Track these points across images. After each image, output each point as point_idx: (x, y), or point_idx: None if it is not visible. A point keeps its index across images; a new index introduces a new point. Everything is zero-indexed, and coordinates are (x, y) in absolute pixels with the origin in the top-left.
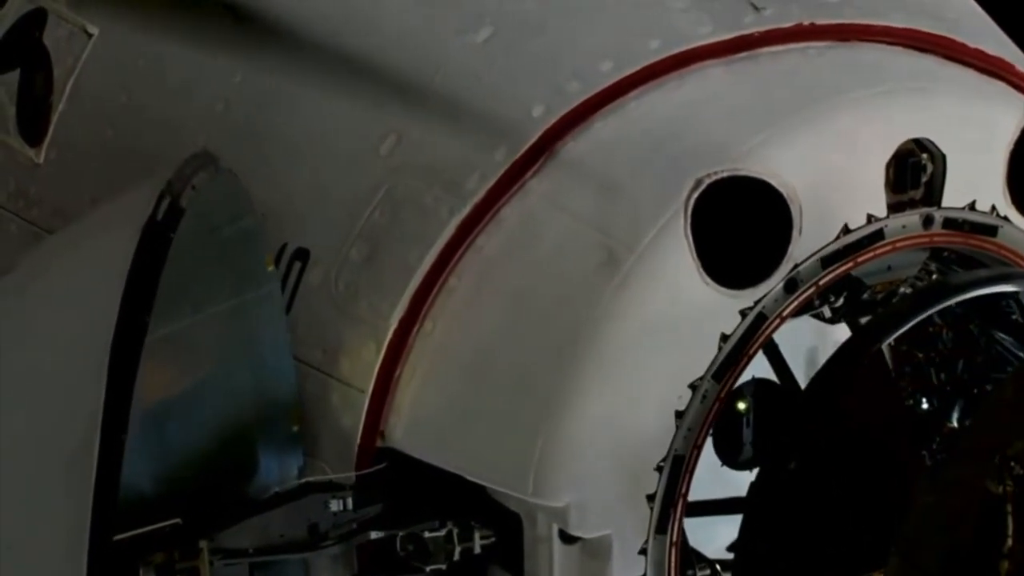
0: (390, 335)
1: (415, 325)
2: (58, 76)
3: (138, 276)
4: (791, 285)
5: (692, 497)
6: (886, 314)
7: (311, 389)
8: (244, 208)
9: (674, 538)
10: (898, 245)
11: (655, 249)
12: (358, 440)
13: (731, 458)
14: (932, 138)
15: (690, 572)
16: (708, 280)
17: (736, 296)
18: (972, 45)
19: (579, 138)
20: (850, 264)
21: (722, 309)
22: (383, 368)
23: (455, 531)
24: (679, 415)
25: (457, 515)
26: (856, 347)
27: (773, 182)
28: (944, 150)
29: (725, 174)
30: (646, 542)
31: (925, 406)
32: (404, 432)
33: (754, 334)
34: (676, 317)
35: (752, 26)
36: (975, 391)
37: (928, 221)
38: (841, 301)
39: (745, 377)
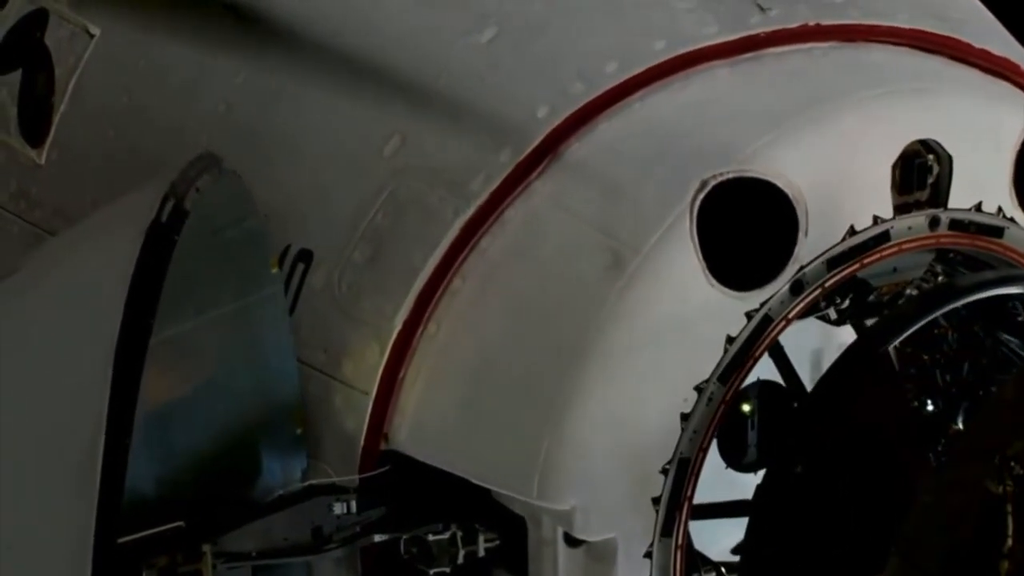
0: (394, 337)
1: (419, 327)
2: (60, 77)
3: (142, 279)
4: (797, 287)
5: (696, 500)
6: (892, 316)
7: (314, 391)
8: (248, 210)
9: (679, 541)
10: (904, 247)
11: (660, 251)
12: (362, 442)
13: (735, 460)
14: (938, 139)
15: (695, 575)
16: (714, 282)
17: (742, 298)
18: (978, 46)
19: (584, 139)
20: (856, 266)
21: (728, 311)
22: (387, 370)
23: (459, 534)
24: (684, 417)
25: (461, 518)
26: (862, 350)
27: (779, 183)
28: (950, 151)
29: (731, 175)
30: (651, 545)
31: (930, 408)
32: (408, 434)
33: (760, 336)
34: (681, 319)
35: (758, 27)
36: (980, 393)
37: (934, 222)
38: (847, 303)
39: (750, 379)
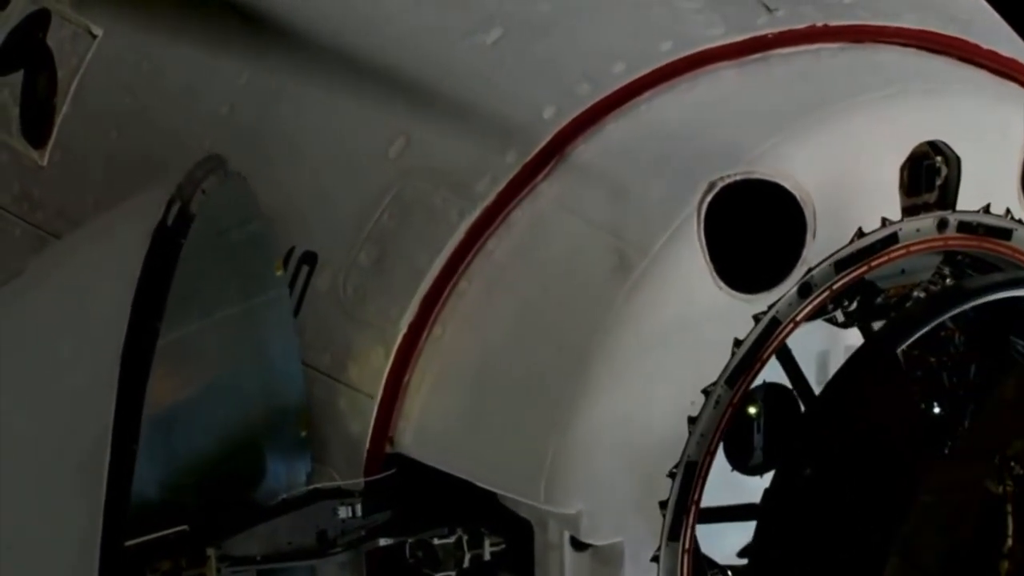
0: (399, 340)
1: (425, 330)
2: (62, 77)
3: (148, 282)
4: (805, 289)
5: (702, 503)
6: (901, 319)
7: (319, 394)
8: (253, 212)
9: (687, 545)
10: (912, 249)
11: (668, 253)
12: (367, 446)
13: (741, 463)
14: (947, 140)
15: None
16: (721, 284)
17: (749, 300)
18: (986, 46)
19: (590, 141)
20: (864, 268)
21: (735, 314)
22: (392, 373)
23: (465, 538)
24: (692, 421)
25: (467, 522)
26: (871, 352)
27: (787, 185)
28: (958, 153)
29: (738, 177)
30: (658, 549)
31: (937, 410)
32: (413, 438)
33: (768, 339)
34: (689, 322)
35: (765, 27)
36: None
37: (942, 224)
38: (854, 305)
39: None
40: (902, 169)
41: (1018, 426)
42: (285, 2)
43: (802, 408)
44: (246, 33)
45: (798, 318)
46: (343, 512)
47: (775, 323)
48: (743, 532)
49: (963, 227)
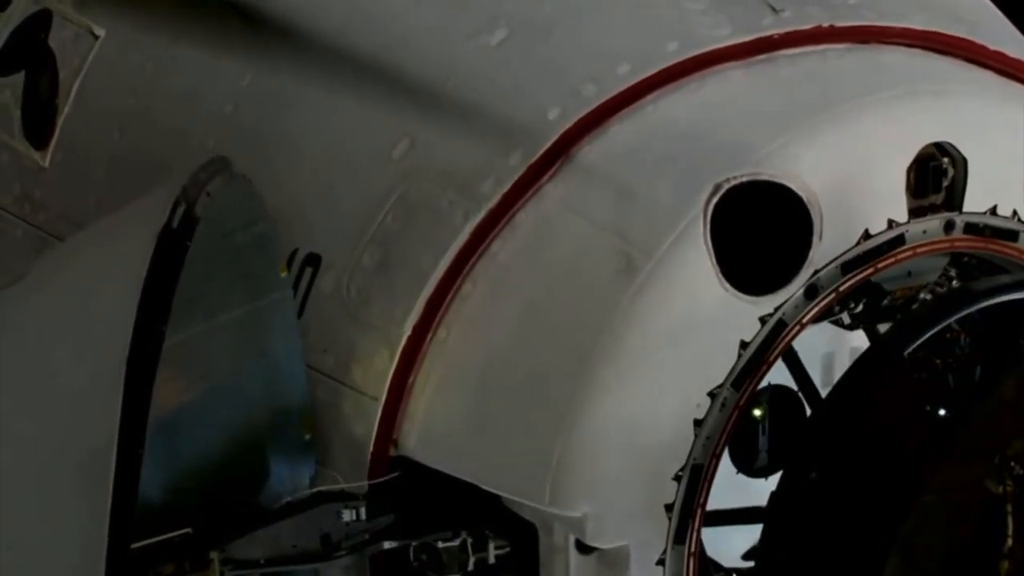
0: (404, 342)
1: (429, 332)
2: (64, 78)
3: (154, 285)
4: (811, 291)
5: (708, 506)
6: (908, 321)
7: (323, 397)
8: (257, 214)
9: (692, 548)
10: (919, 250)
11: (674, 255)
12: (371, 448)
13: (746, 465)
14: (953, 142)
15: None
16: (727, 286)
17: (756, 302)
18: (992, 47)
19: (596, 142)
20: (870, 270)
21: (741, 316)
22: (396, 375)
23: (469, 541)
24: (698, 423)
25: (471, 525)
26: (878, 355)
27: (793, 186)
28: (965, 154)
29: (744, 178)
30: (664, 552)
31: (942, 412)
32: (418, 440)
33: (774, 341)
34: (695, 324)
35: (771, 28)
36: None
37: (949, 226)
38: (860, 307)
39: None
40: (909, 170)
41: (1018, 426)
42: (288, 2)
43: (807, 410)
44: (249, 33)
45: (804, 320)
46: (347, 515)
47: (781, 325)
48: (748, 534)
49: (970, 229)
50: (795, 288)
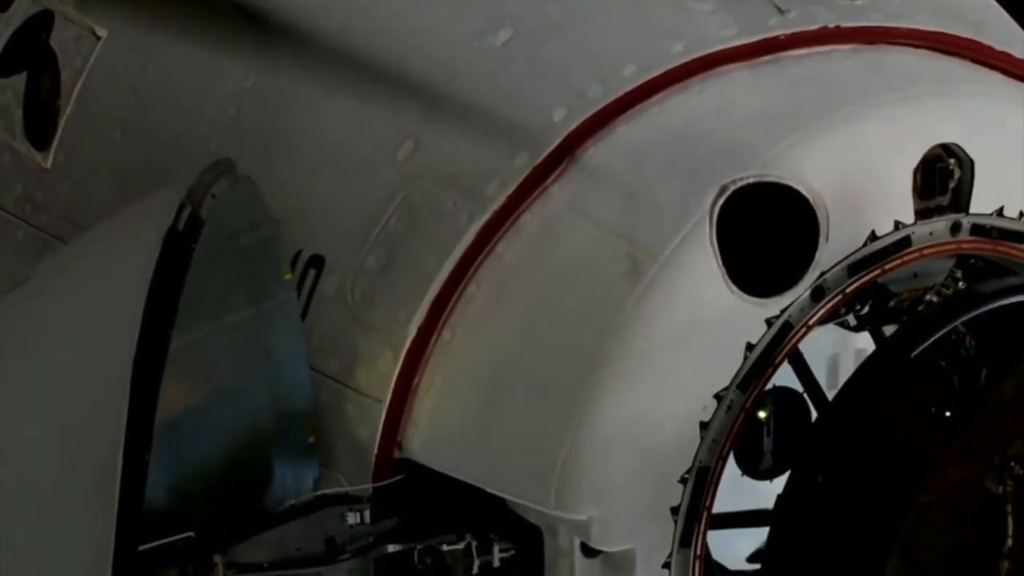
0: (408, 344)
1: (433, 334)
2: (66, 79)
3: (160, 288)
4: (818, 293)
5: (714, 508)
6: (914, 324)
7: (327, 399)
8: (262, 216)
9: (698, 551)
10: (925, 252)
11: (679, 257)
12: (375, 451)
13: (751, 467)
14: (959, 143)
15: None
16: (733, 288)
17: (762, 304)
18: (999, 48)
19: (601, 143)
20: (877, 272)
21: (747, 318)
22: (400, 378)
23: (474, 544)
24: (704, 426)
25: (476, 528)
26: (884, 358)
27: (799, 188)
28: (971, 155)
29: (751, 180)
30: (670, 555)
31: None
32: (422, 443)
33: (780, 343)
34: (701, 326)
35: (777, 29)
36: None
37: (956, 228)
38: (867, 309)
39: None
40: (915, 172)
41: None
42: (292, 2)
43: (813, 412)
44: (252, 34)
45: (811, 322)
46: (351, 518)
47: (787, 327)
48: (752, 537)
49: (976, 230)
50: (801, 290)
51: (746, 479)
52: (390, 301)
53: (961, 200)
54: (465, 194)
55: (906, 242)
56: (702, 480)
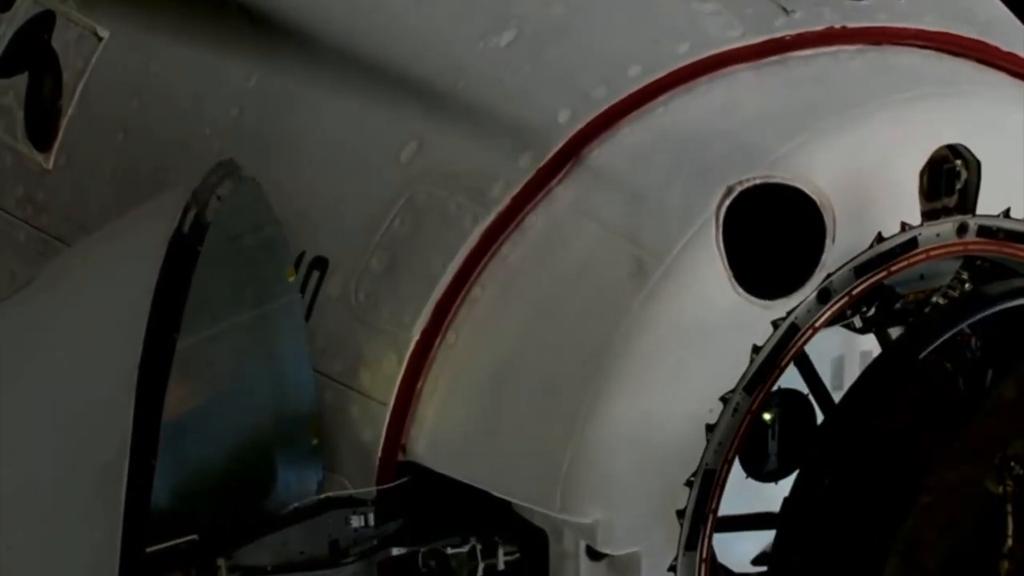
0: (412, 346)
1: (438, 336)
2: (67, 80)
3: (166, 291)
4: (824, 295)
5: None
6: (921, 326)
7: (330, 401)
8: (266, 217)
9: (704, 554)
10: (932, 254)
11: (685, 259)
12: (379, 454)
13: (756, 469)
14: (966, 144)
15: None
16: (739, 290)
17: (768, 306)
18: (1005, 49)
19: (606, 144)
20: (883, 273)
21: (753, 320)
22: (405, 380)
23: (478, 547)
24: (710, 428)
25: (480, 531)
26: (891, 360)
27: (806, 189)
28: (978, 156)
29: (757, 181)
30: (675, 559)
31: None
32: (426, 445)
33: (786, 345)
34: (706, 328)
35: (782, 29)
36: None
37: (962, 229)
38: (873, 311)
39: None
40: (921, 173)
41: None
42: (295, 3)
43: (818, 414)
44: (255, 35)
45: (817, 324)
46: (355, 521)
47: (794, 329)
48: (756, 539)
49: (983, 232)
50: (808, 292)
51: (750, 481)
52: (394, 303)
53: (968, 201)
54: (469, 195)
55: (912, 244)
56: (708, 483)
